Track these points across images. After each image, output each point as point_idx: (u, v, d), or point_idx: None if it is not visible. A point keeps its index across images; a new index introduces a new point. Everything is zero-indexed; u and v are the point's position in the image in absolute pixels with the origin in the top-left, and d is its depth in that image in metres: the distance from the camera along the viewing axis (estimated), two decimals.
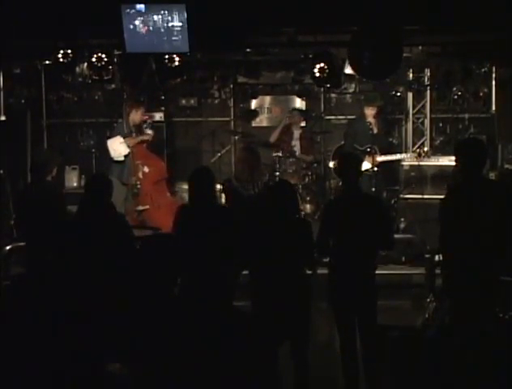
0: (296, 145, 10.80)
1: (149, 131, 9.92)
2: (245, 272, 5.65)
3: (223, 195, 8.23)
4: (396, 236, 9.65)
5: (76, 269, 5.53)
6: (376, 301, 5.59)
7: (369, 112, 10.14)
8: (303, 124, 11.48)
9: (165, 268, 3.72)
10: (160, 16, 8.45)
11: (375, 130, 10.08)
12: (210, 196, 5.74)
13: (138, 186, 9.81)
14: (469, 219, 5.14)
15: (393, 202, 10.52)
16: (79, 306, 3.88)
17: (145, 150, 10.03)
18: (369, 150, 9.89)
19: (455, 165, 5.39)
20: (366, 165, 9.62)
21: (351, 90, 11.59)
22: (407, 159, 10.08)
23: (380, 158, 9.95)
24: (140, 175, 9.86)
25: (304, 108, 11.96)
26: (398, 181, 10.44)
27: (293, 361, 5.45)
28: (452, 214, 5.24)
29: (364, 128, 10.09)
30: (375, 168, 9.82)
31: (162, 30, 8.51)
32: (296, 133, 10.95)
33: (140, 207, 9.86)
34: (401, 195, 10.12)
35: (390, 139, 11.50)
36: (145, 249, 3.85)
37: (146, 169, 9.86)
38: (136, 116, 9.77)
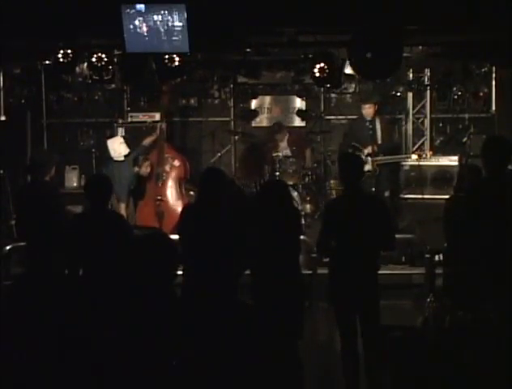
0: (286, 153, 10.81)
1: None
2: (246, 272, 5.67)
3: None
4: (396, 236, 9.68)
5: (76, 269, 5.55)
6: (379, 302, 5.59)
7: (367, 111, 10.14)
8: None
9: (159, 267, 3.72)
10: (159, 16, 8.44)
11: (378, 130, 10.08)
12: (215, 197, 5.73)
13: (164, 178, 10.19)
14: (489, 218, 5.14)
15: (393, 202, 10.51)
16: (79, 306, 3.88)
17: (172, 147, 10.57)
18: (369, 151, 9.91)
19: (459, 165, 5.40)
20: (366, 167, 9.64)
21: (351, 90, 11.59)
22: (408, 160, 10.08)
23: (379, 160, 9.95)
24: (167, 168, 10.25)
25: (304, 108, 11.97)
26: (398, 181, 10.44)
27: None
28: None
29: (362, 128, 10.10)
30: (376, 170, 9.83)
31: (162, 30, 8.50)
32: (283, 144, 10.94)
33: (159, 197, 10.19)
34: (401, 195, 10.12)
35: (394, 138, 11.46)
36: (138, 247, 3.85)
37: (176, 163, 10.38)
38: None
